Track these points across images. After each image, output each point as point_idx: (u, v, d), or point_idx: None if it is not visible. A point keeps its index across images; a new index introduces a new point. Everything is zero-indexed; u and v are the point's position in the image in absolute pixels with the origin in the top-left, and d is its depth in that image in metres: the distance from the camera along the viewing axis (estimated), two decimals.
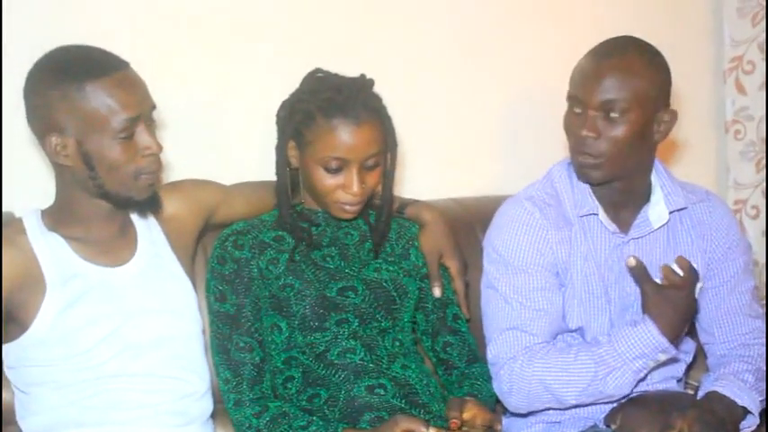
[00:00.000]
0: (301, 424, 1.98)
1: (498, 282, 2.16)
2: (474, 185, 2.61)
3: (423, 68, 2.64)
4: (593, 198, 2.16)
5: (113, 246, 1.99)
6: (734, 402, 2.07)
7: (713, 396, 2.09)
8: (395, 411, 2.00)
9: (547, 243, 2.14)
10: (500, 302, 2.15)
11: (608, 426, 2.09)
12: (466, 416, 1.94)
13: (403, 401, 2.03)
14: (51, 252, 1.92)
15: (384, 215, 2.15)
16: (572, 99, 2.13)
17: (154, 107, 1.94)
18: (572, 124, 2.12)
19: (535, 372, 2.07)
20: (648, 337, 1.99)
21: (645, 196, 2.20)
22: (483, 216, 2.31)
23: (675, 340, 2.01)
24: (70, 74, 1.85)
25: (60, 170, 1.93)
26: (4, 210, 2.15)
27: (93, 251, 1.96)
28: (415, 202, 2.29)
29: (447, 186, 2.57)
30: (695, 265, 2.12)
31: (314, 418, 2.00)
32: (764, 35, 2.91)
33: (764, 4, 2.91)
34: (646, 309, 2.01)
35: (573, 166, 2.17)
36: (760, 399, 2.11)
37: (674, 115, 2.13)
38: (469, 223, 2.42)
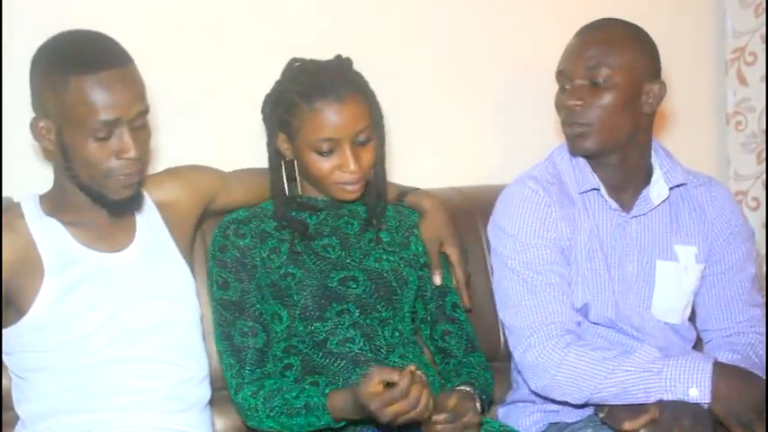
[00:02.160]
0: (293, 394, 1.98)
1: (509, 259, 2.17)
2: (474, 174, 2.60)
3: (421, 55, 2.62)
4: (594, 175, 2.17)
5: (112, 231, 1.98)
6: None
7: None
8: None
9: (552, 220, 2.16)
10: (513, 278, 2.16)
11: (596, 414, 2.09)
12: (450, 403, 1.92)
13: None
14: (50, 237, 1.92)
15: (375, 192, 2.14)
16: (559, 75, 2.17)
17: (144, 111, 1.89)
18: (560, 100, 2.16)
19: (567, 358, 2.06)
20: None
21: (645, 178, 2.21)
22: (483, 205, 2.31)
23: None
24: (59, 64, 1.84)
25: (49, 155, 1.93)
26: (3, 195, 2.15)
27: (92, 236, 1.95)
28: (415, 190, 2.28)
29: (447, 175, 2.56)
30: (696, 248, 2.13)
31: (305, 387, 2.01)
32: (765, 26, 2.90)
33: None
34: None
35: (566, 142, 2.18)
36: None
37: (662, 86, 2.15)
38: (469, 212, 2.41)
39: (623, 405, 2.03)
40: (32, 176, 2.16)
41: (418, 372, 1.83)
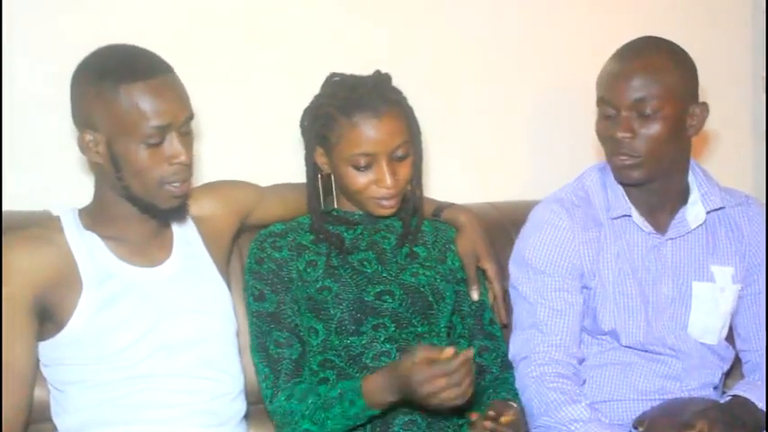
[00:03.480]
0: (327, 388, 1.99)
1: (519, 282, 2.19)
2: (510, 190, 2.61)
3: (456, 70, 2.63)
4: (626, 200, 2.16)
5: (149, 246, 1.99)
6: (755, 406, 2.07)
7: (736, 399, 2.10)
8: (427, 414, 1.99)
9: (571, 245, 2.15)
10: (521, 302, 2.19)
11: (635, 428, 2.08)
12: (504, 419, 1.92)
13: None
14: (88, 251, 1.93)
15: (412, 207, 2.15)
16: (602, 102, 2.14)
17: (190, 117, 1.92)
18: (606, 128, 2.13)
19: (530, 386, 2.10)
20: None
21: (682, 198, 2.20)
22: (518, 221, 2.31)
23: None
24: (107, 73, 1.85)
25: (94, 168, 1.94)
26: (42, 208, 2.17)
27: (130, 251, 1.96)
28: (451, 205, 2.28)
29: (482, 190, 2.57)
30: (732, 269, 2.10)
31: (339, 381, 2.01)
32: (765, 44, 2.87)
33: (765, 9, 2.88)
34: None
35: (612, 170, 2.17)
36: None
37: (704, 108, 2.14)
38: (504, 228, 2.41)
39: (663, 418, 2.02)
40: (74, 191, 2.17)
41: (462, 354, 1.81)
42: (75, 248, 1.92)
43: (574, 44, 2.72)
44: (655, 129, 2.08)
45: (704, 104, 2.14)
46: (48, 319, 1.91)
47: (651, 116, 2.07)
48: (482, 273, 2.21)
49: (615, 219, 2.17)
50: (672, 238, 2.18)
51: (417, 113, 2.11)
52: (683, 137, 2.13)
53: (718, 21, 2.87)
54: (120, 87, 1.84)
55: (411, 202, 2.14)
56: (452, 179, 2.55)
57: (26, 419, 1.92)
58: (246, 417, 2.08)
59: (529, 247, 2.18)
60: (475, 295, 2.18)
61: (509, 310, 2.25)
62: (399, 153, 2.05)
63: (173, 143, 1.87)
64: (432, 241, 2.19)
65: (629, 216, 2.16)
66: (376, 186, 2.05)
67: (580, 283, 2.17)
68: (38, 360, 1.94)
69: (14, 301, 1.87)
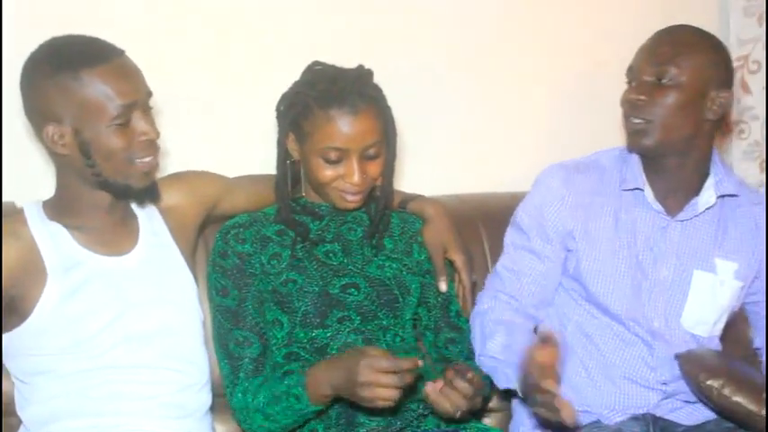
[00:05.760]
0: (276, 382, 2.00)
1: (506, 234, 2.25)
2: (477, 182, 2.61)
3: (425, 63, 2.63)
4: (643, 175, 2.18)
5: (115, 235, 1.98)
6: None
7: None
8: (394, 406, 2.00)
9: (559, 206, 2.18)
10: (503, 256, 2.24)
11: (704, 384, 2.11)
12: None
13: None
14: (52, 241, 1.92)
15: (382, 205, 2.14)
16: (629, 71, 2.18)
17: (150, 94, 1.94)
18: (625, 95, 2.17)
19: (475, 321, 2.17)
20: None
21: (698, 186, 2.20)
22: (486, 213, 2.32)
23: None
24: (65, 62, 1.85)
25: (59, 160, 1.93)
26: (4, 200, 2.15)
27: (95, 240, 1.96)
28: (418, 196, 2.28)
29: (450, 183, 2.57)
30: (737, 264, 2.18)
31: (287, 372, 2.02)
32: (765, 36, 2.90)
33: (766, 2, 2.90)
34: None
35: (626, 137, 2.18)
36: None
37: (730, 96, 2.16)
38: (472, 220, 2.42)
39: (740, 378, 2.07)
40: (33, 182, 2.16)
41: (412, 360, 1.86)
42: (39, 239, 1.92)
43: (549, 35, 2.72)
44: (669, 97, 2.10)
45: (730, 93, 2.15)
46: (12, 311, 1.90)
47: (668, 85, 2.10)
48: (450, 264, 2.22)
49: (626, 191, 2.19)
50: (680, 221, 2.19)
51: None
52: (700, 116, 2.13)
53: (688, 14, 2.88)
54: (81, 74, 1.84)
55: (381, 199, 2.13)
56: (420, 171, 2.55)
57: None
58: (212, 409, 2.08)
59: (522, 203, 2.24)
60: (443, 286, 2.18)
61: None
62: (371, 152, 2.04)
63: (139, 121, 1.89)
64: (398, 233, 2.19)
65: (641, 190, 2.17)
66: (342, 180, 2.04)
67: (560, 246, 2.19)
68: None
69: None
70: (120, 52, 1.91)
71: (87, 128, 1.86)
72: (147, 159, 1.91)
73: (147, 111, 1.92)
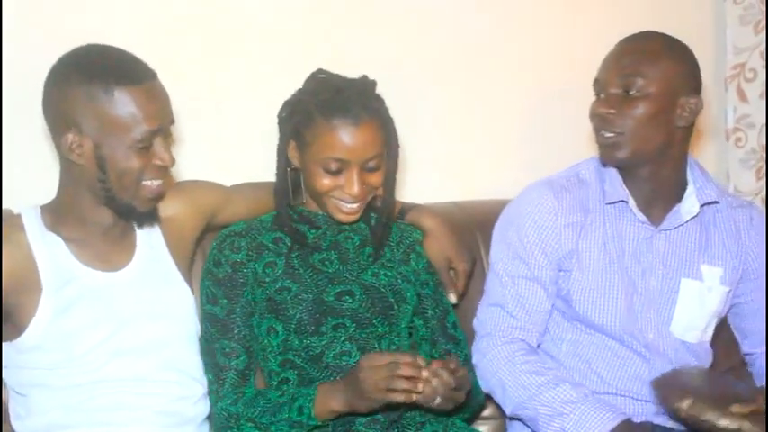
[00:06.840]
0: (277, 394, 1.99)
1: (497, 258, 2.22)
2: (475, 189, 2.61)
3: (424, 71, 2.64)
4: (624, 187, 2.16)
5: (112, 249, 1.97)
6: None
7: None
8: (390, 414, 1.99)
9: (553, 227, 2.16)
10: (494, 276, 2.22)
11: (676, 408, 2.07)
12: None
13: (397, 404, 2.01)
14: (49, 253, 1.91)
15: (384, 218, 2.14)
16: (595, 83, 2.16)
17: (173, 121, 1.93)
18: (594, 107, 2.15)
19: (502, 368, 2.11)
20: None
21: (678, 193, 2.20)
22: (483, 220, 2.32)
23: None
24: (100, 76, 1.84)
25: (70, 168, 1.91)
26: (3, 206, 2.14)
27: (91, 255, 1.94)
28: (416, 206, 2.28)
29: (447, 190, 2.57)
30: (722, 270, 2.15)
31: (288, 387, 2.02)
32: (765, 43, 2.91)
33: (765, 11, 2.91)
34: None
35: (598, 151, 2.17)
36: None
37: (699, 101, 2.13)
38: (469, 227, 2.42)
39: (709, 395, 2.01)
40: (33, 186, 2.15)
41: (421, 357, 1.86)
42: (36, 250, 1.90)
43: (538, 45, 2.73)
44: (639, 108, 2.08)
45: (699, 98, 2.13)
46: (8, 319, 1.89)
47: (637, 96, 2.08)
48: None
49: (610, 204, 2.18)
50: (665, 230, 2.18)
51: None
52: (671, 124, 2.12)
53: (685, 23, 2.88)
54: (113, 90, 1.83)
55: (383, 210, 2.13)
56: (417, 178, 2.55)
57: None
58: (209, 418, 2.07)
59: (513, 227, 2.20)
60: (453, 298, 2.19)
61: (465, 314, 2.25)
62: (371, 165, 2.03)
63: (159, 148, 1.89)
64: (395, 243, 2.19)
65: (626, 202, 2.16)
66: (340, 191, 2.03)
67: (557, 267, 2.18)
68: None
69: None
70: (153, 75, 1.90)
71: (108, 144, 1.85)
72: (157, 183, 1.91)
73: (167, 137, 1.92)
